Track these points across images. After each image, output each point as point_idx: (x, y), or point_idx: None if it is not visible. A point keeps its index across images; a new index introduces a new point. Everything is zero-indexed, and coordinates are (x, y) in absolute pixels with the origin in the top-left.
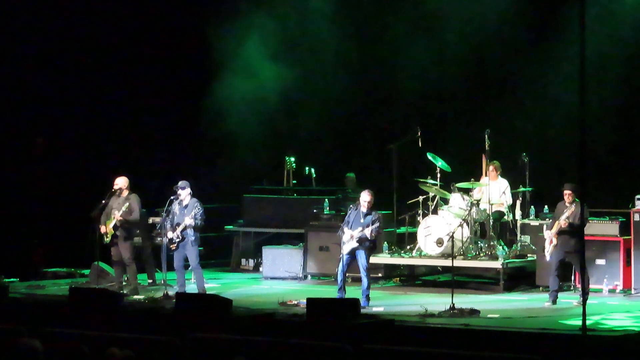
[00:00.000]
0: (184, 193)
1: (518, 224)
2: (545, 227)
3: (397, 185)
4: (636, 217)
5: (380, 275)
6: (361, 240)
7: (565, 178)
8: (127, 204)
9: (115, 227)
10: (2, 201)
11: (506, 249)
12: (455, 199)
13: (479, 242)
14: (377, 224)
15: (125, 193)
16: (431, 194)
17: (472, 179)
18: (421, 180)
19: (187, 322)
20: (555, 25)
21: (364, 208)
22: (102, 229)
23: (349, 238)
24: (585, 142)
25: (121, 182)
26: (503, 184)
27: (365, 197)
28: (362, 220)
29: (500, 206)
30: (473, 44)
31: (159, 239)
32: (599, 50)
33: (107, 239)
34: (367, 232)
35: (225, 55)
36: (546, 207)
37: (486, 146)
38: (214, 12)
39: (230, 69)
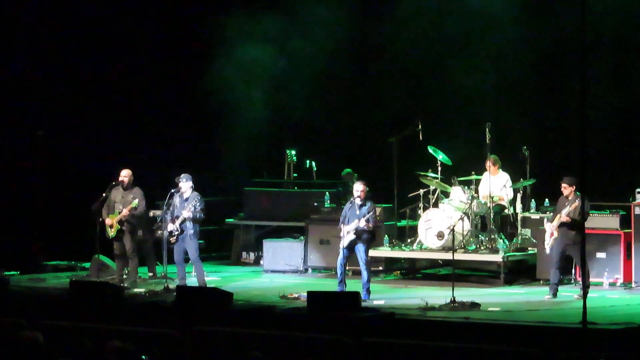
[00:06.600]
0: (185, 186)
1: (519, 217)
2: (545, 220)
3: (398, 179)
4: (637, 211)
5: (380, 268)
6: (358, 233)
7: (566, 171)
8: (136, 200)
9: (120, 222)
10: (3, 194)
11: (507, 242)
12: (456, 192)
13: (480, 236)
14: (371, 213)
15: (128, 186)
16: (432, 187)
17: (473, 172)
18: (422, 173)
19: (188, 315)
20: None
21: (358, 200)
22: (108, 221)
23: (347, 232)
24: (585, 136)
25: (126, 174)
26: (504, 177)
27: (358, 187)
28: (357, 213)
29: (501, 200)
30: (474, 36)
31: (159, 232)
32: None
33: (113, 234)
34: (362, 223)
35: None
36: (547, 200)
37: (487, 139)
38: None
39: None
